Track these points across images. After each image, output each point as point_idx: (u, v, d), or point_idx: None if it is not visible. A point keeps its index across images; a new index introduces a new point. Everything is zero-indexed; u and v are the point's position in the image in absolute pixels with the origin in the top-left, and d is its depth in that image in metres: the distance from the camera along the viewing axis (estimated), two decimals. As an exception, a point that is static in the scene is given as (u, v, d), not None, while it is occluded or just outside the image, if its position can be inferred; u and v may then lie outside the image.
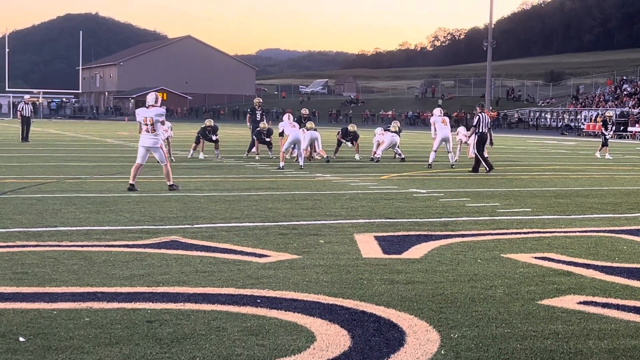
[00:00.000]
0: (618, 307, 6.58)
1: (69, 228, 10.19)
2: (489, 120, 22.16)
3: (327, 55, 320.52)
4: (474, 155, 22.08)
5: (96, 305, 6.29)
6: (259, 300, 6.53)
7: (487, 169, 21.13)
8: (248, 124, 28.21)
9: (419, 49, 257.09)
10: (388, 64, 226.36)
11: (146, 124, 14.87)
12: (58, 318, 5.90)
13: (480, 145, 21.41)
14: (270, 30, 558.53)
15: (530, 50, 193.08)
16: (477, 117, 21.73)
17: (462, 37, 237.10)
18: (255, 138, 25.93)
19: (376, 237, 9.90)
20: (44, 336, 5.44)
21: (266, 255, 8.51)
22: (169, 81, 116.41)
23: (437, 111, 23.95)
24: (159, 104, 15.13)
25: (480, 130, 21.39)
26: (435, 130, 23.01)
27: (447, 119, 23.22)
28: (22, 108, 34.50)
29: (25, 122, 33.93)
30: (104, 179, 17.28)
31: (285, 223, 11.01)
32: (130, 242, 9.18)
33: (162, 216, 11.45)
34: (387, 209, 12.78)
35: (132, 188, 14.84)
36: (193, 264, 7.99)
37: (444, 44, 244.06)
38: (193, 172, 19.75)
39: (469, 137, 23.26)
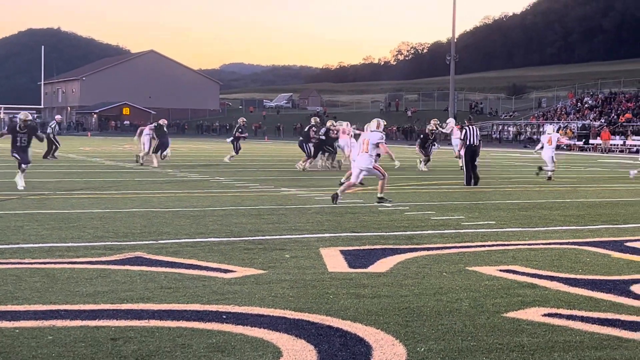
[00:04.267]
0: (582, 318, 6.63)
1: (32, 245, 10.06)
2: (479, 133, 22.37)
3: (291, 69, 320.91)
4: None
5: (59, 323, 6.21)
6: (224, 316, 6.49)
7: (466, 182, 21.29)
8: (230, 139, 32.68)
9: (382, 63, 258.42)
10: (352, 78, 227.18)
11: (363, 144, 16.00)
12: (20, 337, 5.81)
13: (467, 157, 21.58)
14: (234, 44, 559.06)
15: (492, 63, 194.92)
16: (464, 130, 22.02)
17: (425, 51, 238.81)
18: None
19: (342, 251, 9.89)
20: (6, 355, 5.35)
21: (232, 271, 8.47)
22: (132, 96, 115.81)
23: (451, 121, 24.12)
24: (380, 129, 16.25)
25: (469, 143, 21.59)
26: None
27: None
28: (54, 125, 35.05)
29: (51, 139, 34.38)
30: (67, 195, 17.11)
31: (250, 238, 10.97)
32: (94, 259, 9.09)
33: (126, 232, 11.35)
34: (352, 223, 12.78)
35: (335, 197, 15.86)
36: (158, 280, 7.93)
37: (407, 58, 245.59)
38: (157, 187, 19.63)
39: (459, 150, 23.26)
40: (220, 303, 6.95)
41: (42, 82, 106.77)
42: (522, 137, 72.87)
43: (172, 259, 9.17)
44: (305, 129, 29.41)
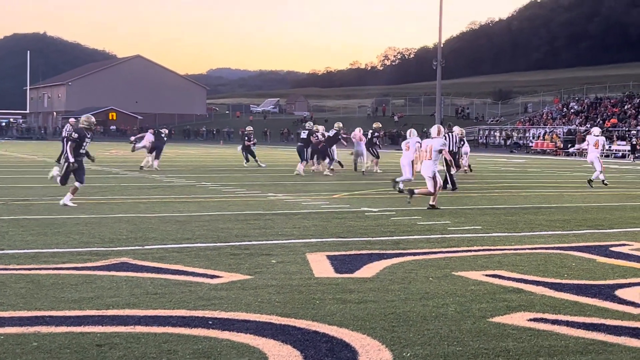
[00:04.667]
0: (568, 323, 6.66)
1: (17, 251, 10.02)
2: (458, 140, 22.72)
3: (278, 74, 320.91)
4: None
5: (44, 329, 6.19)
6: (210, 322, 6.48)
7: (443, 187, 21.47)
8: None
9: (369, 68, 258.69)
10: (339, 83, 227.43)
11: (426, 151, 16.23)
12: (5, 343, 5.78)
13: (446, 164, 21.74)
14: (220, 49, 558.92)
15: (479, 69, 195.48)
16: (445, 136, 22.18)
17: (412, 56, 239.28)
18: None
19: (328, 257, 9.89)
20: (-10, 362, 5.33)
21: (218, 276, 8.46)
22: (119, 101, 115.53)
23: (457, 129, 24.21)
24: (441, 135, 16.60)
25: (449, 150, 21.73)
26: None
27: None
28: (69, 130, 34.74)
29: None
30: (53, 200, 17.03)
31: (237, 243, 10.96)
32: (80, 265, 9.06)
33: (112, 238, 11.32)
34: (339, 228, 12.79)
35: (410, 193, 16.55)
36: (143, 285, 7.91)
37: (394, 63, 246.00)
38: (143, 192, 19.58)
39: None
40: (206, 309, 6.94)
41: (28, 87, 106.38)
42: (509, 142, 73.07)
43: (158, 264, 9.15)
44: (304, 135, 29.26)
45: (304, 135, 29.27)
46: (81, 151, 15.97)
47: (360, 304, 7.22)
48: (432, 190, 16.12)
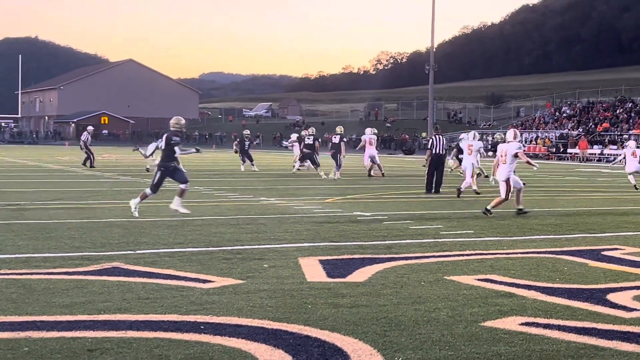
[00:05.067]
0: (559, 327, 6.66)
1: (8, 255, 9.99)
2: (445, 143, 22.87)
3: (271, 78, 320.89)
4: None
5: (35, 334, 6.17)
6: (202, 327, 6.47)
7: (427, 189, 21.79)
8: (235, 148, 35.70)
9: (362, 72, 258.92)
10: (332, 87, 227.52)
11: (502, 156, 16.32)
12: (-5, 348, 5.76)
13: (432, 166, 21.99)
14: (213, 53, 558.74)
15: (471, 73, 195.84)
16: (431, 139, 22.59)
17: (404, 60, 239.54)
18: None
19: (320, 261, 9.89)
20: (-20, 367, 5.31)
21: (210, 281, 8.44)
22: (111, 105, 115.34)
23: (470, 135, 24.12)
24: (517, 139, 16.60)
25: (436, 152, 22.07)
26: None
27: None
28: (87, 138, 34.92)
29: (88, 150, 34.53)
30: (44, 205, 17.00)
31: (229, 248, 10.94)
32: (71, 269, 9.03)
33: (104, 242, 11.29)
34: (331, 233, 12.79)
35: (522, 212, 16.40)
36: (135, 290, 7.89)
37: (386, 68, 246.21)
38: (135, 196, 19.50)
39: (427, 159, 23.48)
40: (198, 313, 6.93)
41: (20, 91, 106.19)
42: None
43: (149, 269, 9.13)
44: (309, 141, 29.74)
45: (309, 140, 29.64)
46: (176, 155, 14.91)
47: (352, 309, 7.22)
48: (503, 197, 16.05)
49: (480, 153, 22.84)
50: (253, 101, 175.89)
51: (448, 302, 7.57)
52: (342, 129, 30.30)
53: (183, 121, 15.51)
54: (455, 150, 28.96)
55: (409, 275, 9.03)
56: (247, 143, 34.24)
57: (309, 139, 29.94)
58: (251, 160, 33.71)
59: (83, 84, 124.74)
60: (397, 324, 6.66)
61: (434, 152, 22.34)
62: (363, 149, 30.39)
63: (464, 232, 13.22)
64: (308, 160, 30.04)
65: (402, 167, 38.08)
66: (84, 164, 34.09)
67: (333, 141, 29.30)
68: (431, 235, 12.66)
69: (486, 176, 26.78)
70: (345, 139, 30.71)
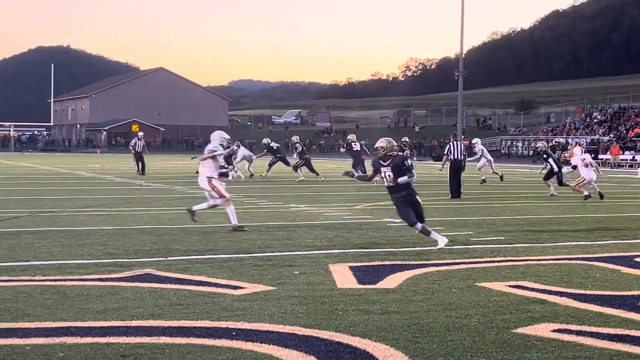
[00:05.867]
0: (592, 334, 6.62)
1: (42, 262, 10.11)
2: (463, 148, 23.08)
3: (300, 85, 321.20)
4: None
5: (70, 340, 6.24)
6: (234, 333, 6.51)
7: (451, 195, 21.95)
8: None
9: (391, 78, 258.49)
10: (360, 94, 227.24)
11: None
12: (31, 354, 5.84)
13: (452, 172, 22.21)
14: (242, 61, 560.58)
15: (501, 79, 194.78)
16: (449, 145, 22.81)
17: (433, 66, 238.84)
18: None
19: (351, 268, 9.90)
20: (17, 372, 5.38)
21: (241, 287, 8.49)
22: (142, 113, 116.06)
23: (578, 150, 23.97)
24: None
25: (453, 158, 22.32)
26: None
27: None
28: (135, 144, 34.99)
29: (138, 157, 34.32)
30: (77, 212, 17.17)
31: (259, 254, 10.99)
32: (104, 276, 9.12)
33: (136, 249, 11.39)
34: (361, 239, 12.79)
35: None
36: (167, 296, 7.95)
37: (415, 74, 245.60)
38: (166, 203, 19.68)
39: (443, 164, 23.63)
40: (229, 319, 6.97)
41: (52, 100, 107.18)
42: (531, 152, 72.67)
43: (181, 275, 9.20)
44: (357, 147, 30.45)
45: (357, 147, 30.19)
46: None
47: (383, 315, 7.23)
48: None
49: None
50: (282, 108, 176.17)
51: (479, 309, 7.55)
52: (354, 137, 30.95)
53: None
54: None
55: (440, 281, 9.02)
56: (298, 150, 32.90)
57: (355, 144, 30.38)
58: (311, 168, 32.26)
59: (114, 92, 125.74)
60: (428, 331, 6.66)
61: (451, 157, 22.66)
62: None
63: (495, 238, 13.17)
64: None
65: (431, 173, 37.98)
66: (143, 172, 33.92)
67: (354, 149, 29.80)
68: (461, 242, 12.63)
69: (484, 180, 27.46)
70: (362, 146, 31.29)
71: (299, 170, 31.53)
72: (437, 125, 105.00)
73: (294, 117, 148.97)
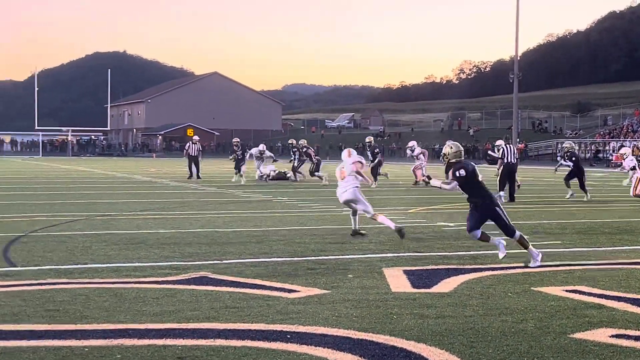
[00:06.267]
0: (651, 340, 6.51)
1: (99, 265, 10.27)
2: (516, 152, 23.02)
3: (353, 89, 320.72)
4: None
5: (127, 342, 6.33)
6: (289, 336, 6.53)
7: (508, 198, 21.82)
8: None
9: (444, 81, 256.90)
10: (414, 97, 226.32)
11: None
12: (90, 355, 5.94)
13: (506, 175, 22.10)
14: (295, 65, 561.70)
15: (556, 81, 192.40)
16: (502, 149, 22.73)
17: (487, 69, 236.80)
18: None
19: (405, 271, 9.88)
20: (76, 373, 5.46)
21: (295, 291, 8.52)
22: (197, 117, 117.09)
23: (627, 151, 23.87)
24: None
25: (507, 161, 22.27)
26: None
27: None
28: (189, 147, 35.41)
29: (193, 161, 34.74)
30: (133, 215, 17.39)
31: (313, 258, 11.02)
32: (160, 279, 9.23)
33: (191, 252, 11.50)
34: (415, 243, 12.75)
35: None
36: (223, 299, 8.02)
37: (469, 77, 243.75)
38: (221, 207, 19.83)
39: (498, 168, 23.46)
40: (284, 322, 7.00)
41: (109, 105, 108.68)
42: (588, 155, 71.73)
43: (236, 278, 9.26)
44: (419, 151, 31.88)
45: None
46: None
47: (438, 319, 7.20)
48: None
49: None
50: (335, 112, 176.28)
51: (535, 314, 7.48)
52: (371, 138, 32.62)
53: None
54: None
55: (495, 286, 8.95)
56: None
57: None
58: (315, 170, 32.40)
59: (169, 97, 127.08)
60: (484, 335, 6.62)
61: (506, 161, 22.56)
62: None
63: (551, 242, 13.02)
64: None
65: (486, 176, 37.69)
66: (198, 176, 34.11)
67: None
68: (517, 246, 12.48)
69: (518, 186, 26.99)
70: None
71: (318, 174, 31.73)
72: (492, 128, 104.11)
73: (347, 121, 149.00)
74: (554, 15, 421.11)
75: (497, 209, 10.76)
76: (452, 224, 15.63)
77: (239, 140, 35.43)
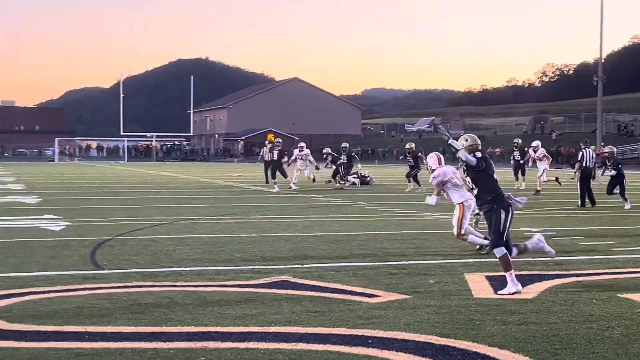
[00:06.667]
0: None
1: (183, 268, 10.43)
2: (594, 156, 22.68)
3: (433, 93, 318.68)
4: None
5: (211, 344, 6.42)
6: (370, 341, 6.53)
7: (581, 204, 21.75)
8: None
9: (526, 85, 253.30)
10: (495, 100, 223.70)
11: None
12: (174, 357, 6.04)
13: (583, 180, 22.06)
14: (375, 69, 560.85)
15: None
16: (581, 152, 22.46)
17: (571, 72, 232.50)
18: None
19: (487, 277, 9.78)
20: (161, 375, 5.56)
21: (376, 295, 8.51)
22: (277, 122, 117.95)
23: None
24: None
25: (586, 165, 21.91)
26: None
27: None
28: (264, 152, 35.67)
29: (276, 167, 34.78)
30: (216, 220, 17.62)
31: (394, 263, 10.99)
32: (243, 282, 9.34)
33: (273, 256, 11.60)
34: (497, 248, 12.57)
35: None
36: (304, 303, 8.06)
37: (552, 80, 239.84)
38: (302, 211, 19.94)
39: (575, 172, 23.04)
40: (365, 327, 7.00)
41: (192, 111, 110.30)
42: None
43: (317, 282, 9.30)
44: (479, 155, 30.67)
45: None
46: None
47: (521, 326, 7.10)
48: None
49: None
50: (415, 116, 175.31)
51: (622, 321, 7.32)
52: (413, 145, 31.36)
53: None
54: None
55: (580, 292, 8.79)
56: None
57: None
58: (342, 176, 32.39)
59: (250, 102, 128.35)
60: (569, 343, 6.50)
61: (583, 165, 22.26)
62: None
63: (638, 248, 12.72)
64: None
65: (569, 182, 36.99)
66: (266, 181, 34.04)
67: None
68: (602, 252, 12.26)
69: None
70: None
71: (348, 178, 32.30)
72: (576, 132, 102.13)
73: (427, 125, 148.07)
74: (639, 18, 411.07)
75: (502, 213, 9.25)
76: (535, 229, 15.38)
77: (329, 150, 35.48)
